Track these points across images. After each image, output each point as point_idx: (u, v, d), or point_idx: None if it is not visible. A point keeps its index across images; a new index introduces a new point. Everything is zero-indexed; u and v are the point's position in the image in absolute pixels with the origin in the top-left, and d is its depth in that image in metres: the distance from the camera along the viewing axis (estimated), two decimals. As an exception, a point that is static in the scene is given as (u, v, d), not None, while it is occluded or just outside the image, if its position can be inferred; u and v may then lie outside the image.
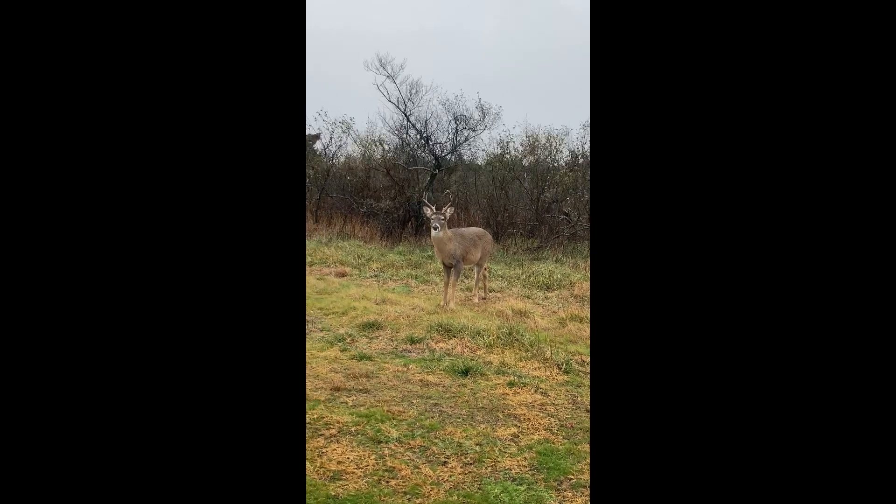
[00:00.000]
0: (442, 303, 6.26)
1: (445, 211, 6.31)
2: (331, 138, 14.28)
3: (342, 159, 14.32)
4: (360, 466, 2.90)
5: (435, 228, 6.28)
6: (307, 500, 2.57)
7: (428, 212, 6.43)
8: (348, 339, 5.03)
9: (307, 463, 2.90)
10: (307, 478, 2.76)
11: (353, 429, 3.30)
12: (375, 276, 8.23)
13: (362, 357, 4.60)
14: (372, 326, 5.38)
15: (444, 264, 6.53)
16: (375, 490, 2.69)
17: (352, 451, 3.05)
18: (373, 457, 3.00)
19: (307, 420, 3.38)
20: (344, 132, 13.96)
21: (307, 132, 15.14)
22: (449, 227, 6.44)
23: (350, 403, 3.67)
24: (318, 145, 15.00)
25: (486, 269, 7.12)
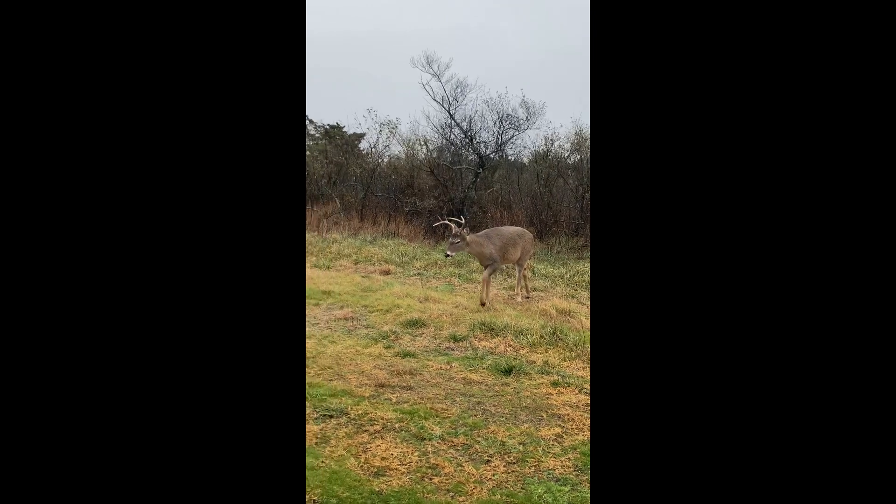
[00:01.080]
0: (482, 301, 6.24)
1: (463, 232, 6.16)
2: (377, 138, 14.43)
3: (387, 159, 14.46)
4: (404, 463, 2.92)
5: (447, 256, 6.33)
6: (352, 496, 2.61)
7: (453, 228, 6.29)
8: (392, 337, 5.08)
9: (352, 458, 2.94)
10: (351, 473, 2.80)
11: (396, 425, 3.33)
12: (419, 274, 8.28)
13: (406, 354, 4.63)
14: (415, 324, 5.41)
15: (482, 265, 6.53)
16: (419, 487, 2.70)
17: (395, 447, 3.07)
18: (416, 454, 3.01)
19: (352, 415, 3.43)
20: (391, 133, 14.09)
21: (354, 131, 15.33)
22: (489, 227, 6.37)
23: (394, 400, 3.70)
24: (363, 145, 15.19)
25: (527, 267, 7.03)
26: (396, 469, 2.85)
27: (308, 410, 3.49)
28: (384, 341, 4.96)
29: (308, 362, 4.36)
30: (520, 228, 7.17)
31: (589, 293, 7.29)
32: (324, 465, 2.87)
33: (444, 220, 6.62)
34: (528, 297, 6.82)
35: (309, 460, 2.89)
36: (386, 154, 14.54)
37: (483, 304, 6.15)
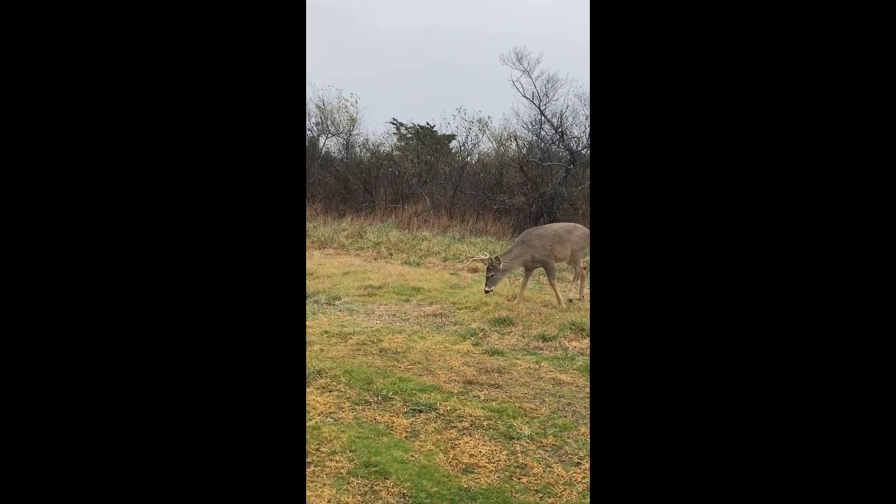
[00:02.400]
0: (562, 300, 6.09)
1: (495, 263, 5.86)
2: (466, 136, 14.50)
3: (476, 157, 14.49)
4: (492, 461, 2.90)
5: (487, 292, 5.98)
6: (440, 491, 2.63)
7: (488, 262, 6.02)
8: (480, 334, 5.07)
9: (440, 454, 2.96)
10: (440, 468, 2.82)
11: (485, 423, 3.32)
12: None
13: (494, 352, 4.61)
14: (503, 322, 5.39)
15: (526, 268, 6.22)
16: (507, 486, 2.68)
17: (484, 444, 3.06)
18: (504, 452, 2.99)
19: (441, 411, 3.45)
20: (481, 131, 14.12)
21: (444, 132, 15.48)
22: (546, 223, 6.07)
23: (482, 397, 3.70)
24: (452, 144, 15.30)
25: (582, 266, 6.58)
26: (485, 467, 2.84)
27: (398, 404, 3.56)
28: (472, 338, 4.97)
29: (398, 357, 4.44)
30: (569, 224, 6.67)
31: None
32: (413, 459, 2.91)
33: (473, 260, 6.41)
34: (580, 299, 6.38)
35: (398, 454, 2.94)
36: (475, 152, 14.58)
37: (567, 301, 6.04)
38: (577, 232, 6.36)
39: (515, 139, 13.51)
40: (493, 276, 5.88)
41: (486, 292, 5.99)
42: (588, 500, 2.56)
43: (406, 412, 3.47)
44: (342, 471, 2.78)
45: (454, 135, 15.12)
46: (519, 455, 2.95)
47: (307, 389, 3.76)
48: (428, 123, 16.34)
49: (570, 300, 6.34)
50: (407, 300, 6.17)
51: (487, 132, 14.02)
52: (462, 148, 14.78)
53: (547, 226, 6.69)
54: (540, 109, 12.41)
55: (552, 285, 6.11)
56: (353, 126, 15.51)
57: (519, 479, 2.74)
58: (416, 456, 2.94)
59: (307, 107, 15.53)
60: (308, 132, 15.79)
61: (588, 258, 6.61)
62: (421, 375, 4.07)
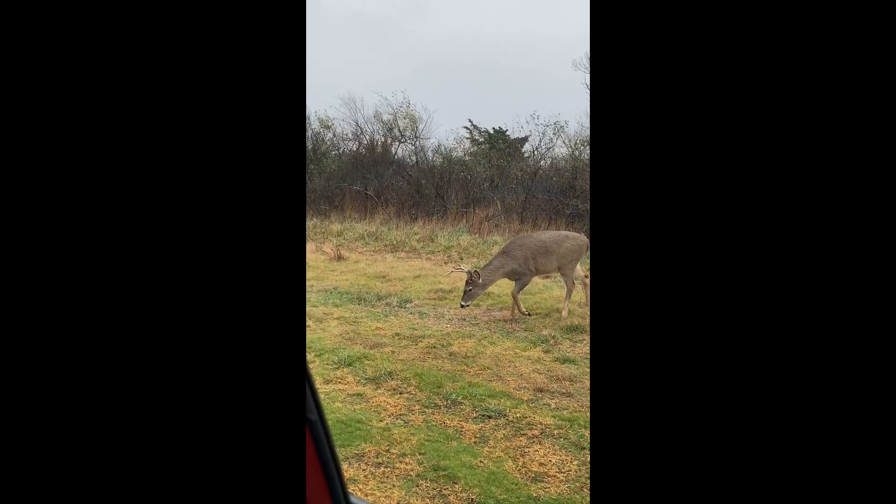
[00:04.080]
0: (508, 317, 5.70)
1: (474, 277, 5.62)
2: (540, 140, 14.37)
3: (549, 161, 14.33)
4: (563, 470, 2.85)
5: (463, 306, 5.74)
6: (509, 499, 2.60)
7: (466, 276, 5.80)
8: (552, 341, 5.00)
9: (510, 461, 2.93)
10: (509, 476, 2.79)
11: (555, 431, 3.26)
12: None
13: (565, 360, 4.53)
14: (575, 330, 5.28)
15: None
16: (577, 497, 2.62)
17: (554, 454, 3.01)
18: (575, 462, 2.93)
19: (510, 418, 3.42)
20: (555, 134, 13.96)
21: (517, 136, 15.40)
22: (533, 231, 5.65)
23: (553, 406, 3.64)
24: (525, 148, 15.20)
25: (586, 276, 6.11)
26: (555, 476, 2.79)
27: (467, 409, 3.55)
28: (543, 345, 4.90)
29: (468, 361, 4.44)
30: (560, 233, 6.20)
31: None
32: (482, 465, 2.90)
33: (453, 269, 6.12)
34: (581, 305, 6.00)
35: (467, 458, 2.93)
36: (548, 156, 14.42)
37: (508, 321, 5.64)
38: (568, 242, 5.96)
39: (587, 143, 13.26)
40: (471, 290, 5.65)
41: (462, 307, 5.74)
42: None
43: (475, 417, 3.46)
44: (411, 473, 2.80)
45: (527, 137, 15.01)
46: (590, 466, 2.88)
47: (378, 391, 3.82)
48: (501, 127, 16.31)
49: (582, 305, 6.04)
50: (477, 305, 6.16)
51: (563, 135, 13.84)
52: (535, 152, 14.65)
53: (534, 235, 6.25)
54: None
55: (514, 297, 5.75)
56: (419, 132, 15.68)
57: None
58: (485, 462, 2.92)
59: (379, 115, 15.84)
60: (381, 137, 16.11)
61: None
62: (490, 381, 4.05)
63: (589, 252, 6.38)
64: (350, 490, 0.96)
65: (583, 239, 6.14)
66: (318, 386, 3.88)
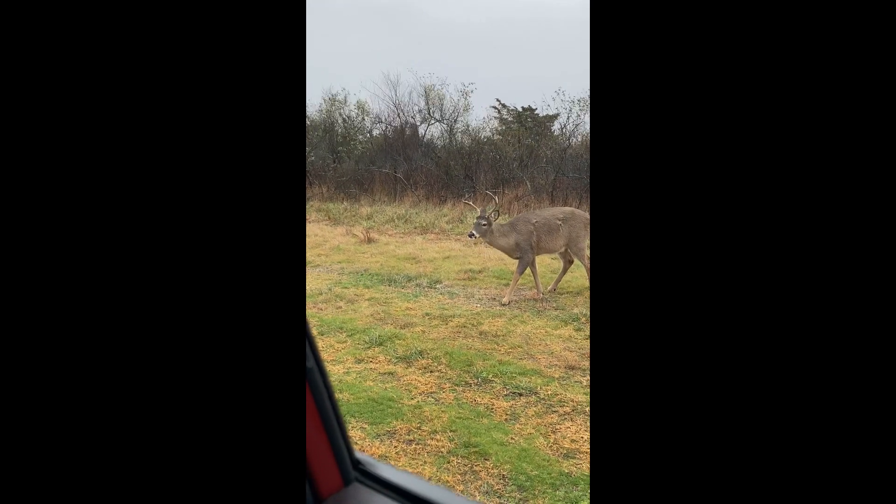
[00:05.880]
0: (503, 301, 5.50)
1: (490, 215, 5.48)
2: (568, 117, 14.15)
3: (579, 138, 14.11)
4: (594, 447, 2.83)
5: (470, 236, 5.54)
6: (541, 475, 2.60)
7: (479, 209, 5.68)
8: (583, 319, 4.96)
9: (541, 437, 2.92)
10: (540, 452, 2.78)
11: (586, 409, 3.24)
12: (612, 256, 7.98)
13: (597, 338, 4.49)
14: (608, 307, 5.22)
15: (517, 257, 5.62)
16: (610, 473, 2.60)
17: (586, 430, 2.99)
18: (607, 439, 2.91)
19: (542, 395, 3.41)
20: (581, 110, 13.73)
21: (546, 113, 15.20)
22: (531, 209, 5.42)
23: (584, 383, 3.61)
24: (555, 126, 14.99)
25: (587, 256, 5.80)
26: (586, 452, 2.77)
27: (498, 387, 3.55)
28: (574, 324, 4.86)
29: (498, 340, 4.44)
30: (566, 209, 5.94)
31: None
32: (513, 441, 2.90)
33: (472, 206, 5.69)
34: (552, 290, 5.80)
35: (498, 436, 2.94)
36: (578, 133, 14.20)
37: (504, 304, 5.43)
38: (576, 219, 5.77)
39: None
40: (483, 224, 5.47)
41: (470, 236, 5.60)
42: None
43: (506, 395, 3.46)
44: (442, 450, 2.82)
45: (556, 115, 14.80)
46: (623, 443, 2.86)
47: (409, 369, 3.85)
48: (530, 106, 16.10)
49: (552, 290, 5.87)
50: (507, 284, 6.14)
51: (588, 112, 13.59)
52: (563, 129, 14.44)
53: (538, 211, 6.01)
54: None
55: (515, 280, 5.59)
56: (462, 113, 15.59)
57: (623, 467, 2.65)
58: (516, 438, 2.92)
59: (430, 88, 15.76)
60: (411, 119, 16.06)
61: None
62: (521, 359, 4.03)
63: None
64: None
65: (587, 216, 5.93)
66: (350, 366, 3.93)
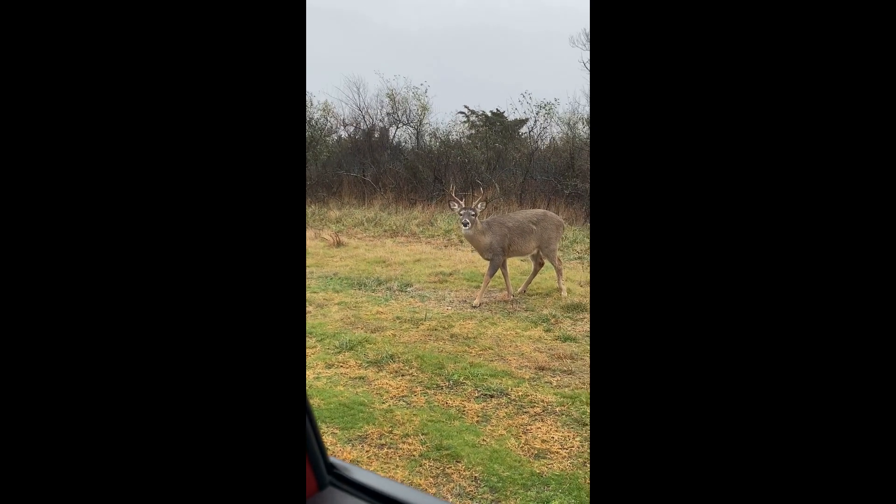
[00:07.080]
0: (474, 304, 5.47)
1: (476, 205, 5.45)
2: (534, 121, 14.29)
3: (547, 141, 14.27)
4: (565, 447, 2.86)
5: (465, 224, 5.39)
6: (512, 476, 2.61)
7: (456, 207, 5.57)
8: (552, 320, 5.00)
9: (512, 438, 2.94)
10: (511, 453, 2.80)
11: (557, 409, 3.27)
12: (580, 258, 8.07)
13: (566, 338, 4.54)
14: (576, 308, 5.29)
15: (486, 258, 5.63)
16: (580, 472, 2.63)
17: (556, 430, 3.03)
18: (578, 438, 2.94)
19: (513, 396, 3.43)
20: (547, 115, 13.88)
21: (513, 117, 15.32)
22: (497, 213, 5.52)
23: (554, 384, 3.65)
24: (523, 129, 15.12)
25: (559, 259, 5.91)
26: (557, 452, 2.80)
27: (469, 389, 3.56)
28: (544, 325, 4.91)
29: (469, 342, 4.45)
30: (538, 211, 5.99)
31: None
32: (485, 443, 2.91)
33: (457, 200, 5.62)
34: (522, 291, 5.86)
35: (470, 437, 2.95)
36: (546, 136, 14.35)
37: (474, 307, 5.40)
38: (547, 221, 5.81)
39: (587, 122, 13.19)
40: (472, 214, 5.44)
41: (465, 225, 5.44)
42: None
43: (477, 397, 3.47)
44: (415, 453, 2.82)
45: (525, 119, 14.93)
46: (593, 442, 2.89)
47: (380, 374, 3.83)
48: (498, 109, 16.21)
49: (522, 291, 5.91)
50: (477, 286, 6.16)
51: (555, 116, 13.76)
52: (530, 133, 14.57)
53: (511, 214, 5.99)
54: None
55: (486, 282, 5.60)
56: (424, 114, 15.58)
57: (593, 465, 2.69)
58: (488, 440, 2.93)
59: (392, 94, 15.70)
60: (380, 122, 16.01)
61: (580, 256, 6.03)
62: (492, 361, 4.06)
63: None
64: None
65: (559, 219, 6.02)
66: (320, 371, 3.89)
